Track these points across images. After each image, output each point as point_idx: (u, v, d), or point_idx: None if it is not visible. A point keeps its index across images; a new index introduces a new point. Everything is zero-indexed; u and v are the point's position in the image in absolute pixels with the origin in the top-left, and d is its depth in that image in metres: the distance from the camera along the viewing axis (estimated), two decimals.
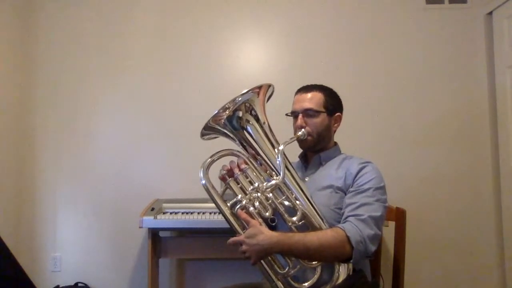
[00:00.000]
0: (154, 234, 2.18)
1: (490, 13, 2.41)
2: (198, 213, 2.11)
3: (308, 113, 1.40)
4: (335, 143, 1.51)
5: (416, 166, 2.44)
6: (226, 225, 2.01)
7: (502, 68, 2.33)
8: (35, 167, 2.53)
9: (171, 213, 2.13)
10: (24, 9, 2.56)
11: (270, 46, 2.57)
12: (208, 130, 1.31)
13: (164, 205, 2.21)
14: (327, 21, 2.55)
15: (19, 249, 2.45)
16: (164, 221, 2.07)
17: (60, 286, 2.42)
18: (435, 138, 2.45)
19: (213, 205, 2.11)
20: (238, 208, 1.22)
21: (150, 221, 2.05)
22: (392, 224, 1.64)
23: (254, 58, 2.57)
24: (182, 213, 2.12)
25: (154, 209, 2.14)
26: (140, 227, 2.06)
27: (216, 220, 2.05)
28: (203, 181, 1.27)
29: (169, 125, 2.54)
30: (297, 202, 1.26)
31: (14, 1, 2.50)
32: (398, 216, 1.59)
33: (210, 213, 2.09)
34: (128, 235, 2.46)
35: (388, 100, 2.48)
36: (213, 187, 1.27)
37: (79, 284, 2.44)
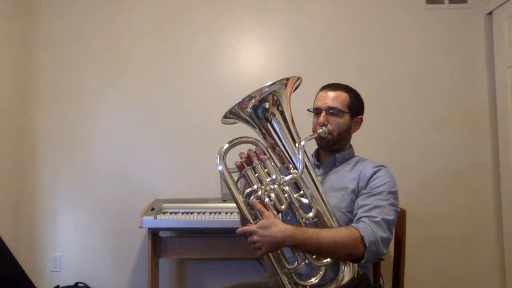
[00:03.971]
0: (154, 234, 2.18)
1: (490, 13, 2.41)
2: (198, 213, 2.11)
3: (332, 111, 1.39)
4: (350, 145, 1.50)
5: (416, 166, 2.44)
6: (226, 225, 2.05)
7: (502, 68, 2.33)
8: (35, 167, 2.53)
9: (171, 213, 2.13)
10: (24, 11, 2.56)
11: (270, 46, 2.56)
12: (232, 115, 1.29)
13: (164, 205, 2.21)
14: (327, 21, 2.55)
15: (19, 249, 2.45)
16: (164, 221, 2.08)
17: (60, 286, 2.42)
18: (435, 138, 2.46)
19: (212, 205, 2.18)
20: (253, 198, 1.20)
21: (150, 221, 2.06)
22: None
23: (254, 59, 2.57)
24: (182, 213, 2.13)
25: (154, 209, 2.14)
26: (140, 227, 2.07)
27: (216, 220, 2.05)
28: (220, 167, 1.24)
29: (169, 125, 2.54)
30: (312, 199, 1.26)
31: (14, 2, 2.50)
32: (398, 216, 1.59)
33: (210, 213, 2.09)
34: (128, 235, 2.46)
35: (387, 100, 2.48)
36: (229, 173, 1.24)
37: (79, 284, 2.44)
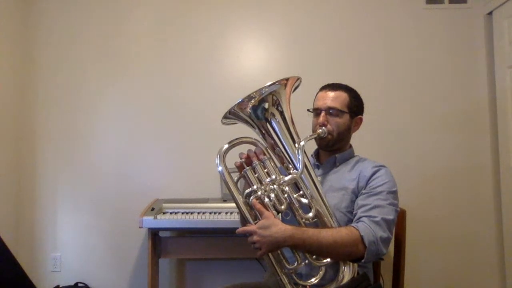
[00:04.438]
0: (154, 234, 2.19)
1: (490, 13, 2.41)
2: (198, 213, 2.11)
3: (331, 112, 1.39)
4: (350, 145, 1.50)
5: (416, 166, 2.44)
6: (226, 225, 2.05)
7: (502, 68, 2.33)
8: (35, 167, 2.53)
9: (171, 213, 2.13)
10: (24, 10, 2.56)
11: (270, 46, 2.56)
12: (231, 115, 1.29)
13: (164, 205, 2.21)
14: (327, 21, 2.55)
15: (19, 249, 2.45)
16: (164, 221, 2.07)
17: (60, 286, 2.42)
18: (435, 138, 2.46)
19: (212, 205, 2.18)
20: (253, 198, 1.20)
21: (150, 221, 2.06)
22: None
23: (254, 58, 2.57)
24: (182, 213, 2.13)
25: (154, 209, 2.14)
26: (140, 227, 2.07)
27: (216, 220, 2.05)
28: (220, 168, 1.24)
29: (169, 125, 2.54)
30: (312, 199, 1.26)
31: (14, 2, 2.50)
32: (398, 216, 1.59)
33: (210, 213, 2.09)
34: (128, 235, 2.46)
35: (387, 100, 2.49)
36: (229, 174, 1.24)
37: (79, 284, 2.44)
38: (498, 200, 2.36)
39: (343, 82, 1.48)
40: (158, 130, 2.54)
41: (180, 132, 2.53)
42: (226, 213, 2.09)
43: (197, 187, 2.45)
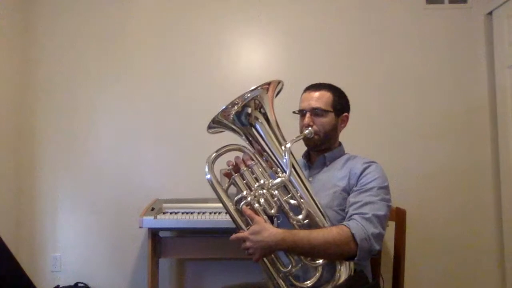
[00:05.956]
0: (154, 234, 2.19)
1: (490, 13, 2.41)
2: (198, 213, 2.11)
3: (316, 112, 1.40)
4: (340, 143, 1.51)
5: (416, 166, 2.44)
6: (226, 225, 2.05)
7: (502, 68, 2.33)
8: (35, 167, 2.53)
9: (171, 213, 2.13)
10: (23, 11, 2.56)
11: (270, 46, 2.56)
12: (216, 124, 1.30)
13: (164, 205, 2.21)
14: (327, 21, 2.55)
15: (19, 249, 2.45)
16: (164, 221, 2.08)
17: (60, 286, 2.42)
18: (435, 138, 2.45)
19: (212, 205, 2.18)
20: (243, 204, 1.21)
21: (150, 221, 2.06)
22: (392, 224, 1.64)
23: (254, 58, 2.57)
24: (182, 213, 2.13)
25: (154, 209, 2.14)
26: (140, 227, 2.07)
27: (216, 220, 2.06)
28: (208, 176, 1.24)
29: (169, 125, 2.54)
30: (302, 200, 1.26)
31: (14, 2, 2.50)
32: (398, 216, 1.59)
33: (210, 213, 2.09)
34: (128, 235, 2.46)
35: (387, 100, 2.48)
36: (218, 182, 1.25)
37: (79, 284, 2.44)
38: (498, 200, 2.36)
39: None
40: (158, 130, 2.54)
41: (180, 132, 2.53)
42: (226, 213, 2.08)
43: (197, 187, 2.43)
